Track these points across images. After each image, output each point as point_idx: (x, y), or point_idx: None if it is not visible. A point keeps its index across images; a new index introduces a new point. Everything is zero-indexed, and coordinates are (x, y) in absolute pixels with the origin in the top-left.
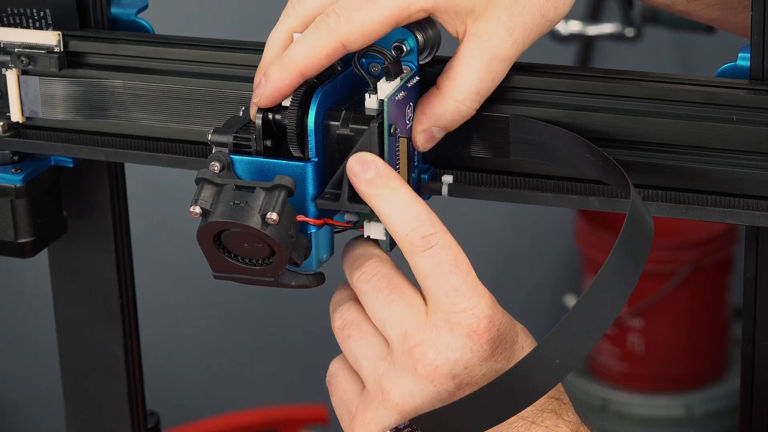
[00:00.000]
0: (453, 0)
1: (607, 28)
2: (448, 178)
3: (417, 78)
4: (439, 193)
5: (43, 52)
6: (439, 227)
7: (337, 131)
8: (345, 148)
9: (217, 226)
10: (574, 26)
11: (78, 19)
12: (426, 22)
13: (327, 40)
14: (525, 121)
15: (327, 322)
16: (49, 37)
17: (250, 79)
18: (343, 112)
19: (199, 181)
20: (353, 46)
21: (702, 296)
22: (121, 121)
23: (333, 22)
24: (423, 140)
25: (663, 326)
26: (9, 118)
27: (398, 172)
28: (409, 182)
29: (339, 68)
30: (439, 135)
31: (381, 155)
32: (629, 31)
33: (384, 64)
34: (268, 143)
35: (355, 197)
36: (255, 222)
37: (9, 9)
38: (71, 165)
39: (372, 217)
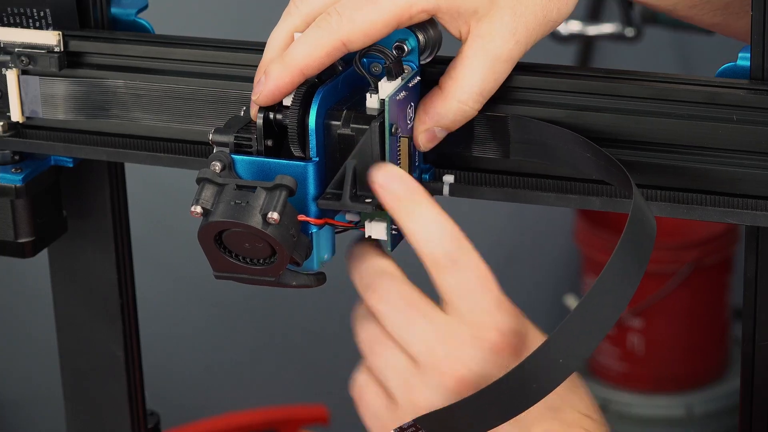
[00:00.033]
0: (455, 1)
1: (607, 28)
2: (449, 178)
3: (418, 78)
4: (440, 192)
5: (43, 52)
6: (466, 246)
7: (338, 131)
8: (346, 147)
9: (218, 226)
10: (574, 26)
11: (78, 19)
12: (427, 23)
13: (328, 39)
14: (526, 121)
15: (327, 322)
16: (49, 37)
17: (252, 79)
18: (344, 112)
19: (200, 181)
20: (354, 46)
21: (702, 296)
22: (122, 121)
23: (334, 21)
24: (425, 140)
25: (663, 326)
26: (9, 118)
27: None
28: None
29: (340, 68)
30: (441, 135)
31: (382, 155)
32: (629, 31)
33: (385, 63)
34: (269, 143)
35: (356, 197)
36: (256, 222)
37: (9, 9)
38: (71, 165)
39: (373, 216)
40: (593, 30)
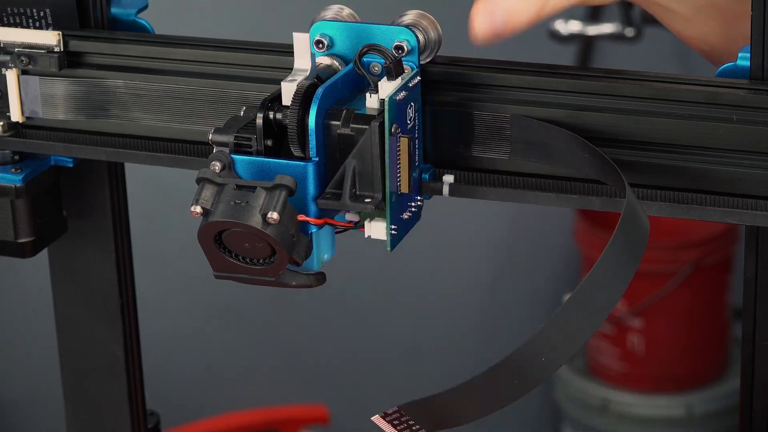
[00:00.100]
0: None
1: (607, 28)
2: (449, 178)
3: (418, 78)
4: (440, 192)
5: (43, 52)
6: None
7: (338, 131)
8: (346, 147)
9: (218, 226)
10: (574, 26)
11: (78, 19)
12: (428, 23)
13: None
14: (526, 121)
15: (327, 322)
16: (49, 37)
17: (252, 79)
18: (344, 112)
19: (200, 181)
20: None
21: (702, 296)
22: (122, 121)
23: None
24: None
25: (663, 326)
26: (9, 118)
27: (399, 172)
28: (409, 182)
29: (340, 68)
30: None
31: (382, 155)
32: (629, 31)
33: (385, 63)
34: (269, 143)
35: (356, 197)
36: (256, 221)
37: (9, 9)
38: (71, 165)
39: (373, 216)
40: (593, 30)
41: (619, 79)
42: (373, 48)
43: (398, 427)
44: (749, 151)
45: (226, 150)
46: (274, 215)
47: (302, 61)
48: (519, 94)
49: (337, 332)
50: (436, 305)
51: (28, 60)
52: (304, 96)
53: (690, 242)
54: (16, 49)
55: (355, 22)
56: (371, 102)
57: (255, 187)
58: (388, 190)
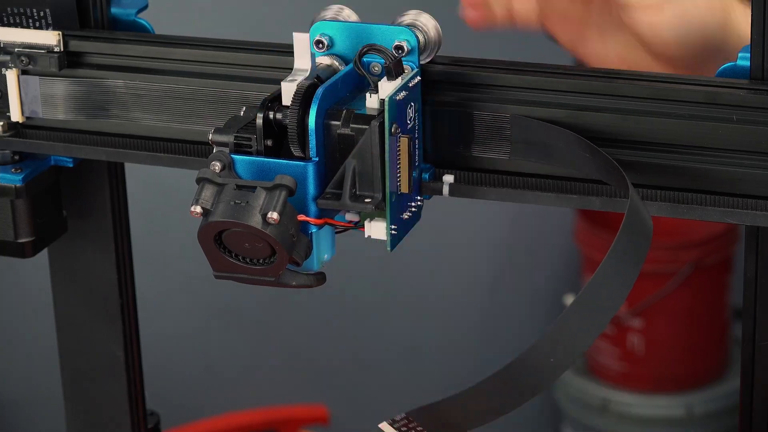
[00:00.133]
0: None
1: None
2: (449, 178)
3: (418, 78)
4: (440, 192)
5: (43, 51)
6: None
7: (338, 131)
8: (346, 147)
9: (218, 226)
10: None
11: (78, 19)
12: (428, 23)
13: None
14: (526, 121)
15: (327, 322)
16: (49, 37)
17: (252, 79)
18: (344, 112)
19: (200, 181)
20: None
21: (702, 296)
22: (122, 121)
23: None
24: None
25: (663, 326)
26: (9, 118)
27: (399, 172)
28: (409, 182)
29: (340, 67)
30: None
31: (381, 155)
32: None
33: (385, 63)
34: (269, 143)
35: (356, 197)
36: (256, 221)
37: (9, 9)
38: (71, 165)
39: (373, 216)
40: None
41: (618, 78)
42: (373, 48)
43: None
44: (749, 151)
45: (226, 150)
46: (274, 215)
47: (302, 61)
48: (519, 94)
49: (337, 332)
50: (436, 305)
51: (28, 60)
52: (304, 96)
53: (690, 242)
54: (16, 49)
55: (355, 22)
56: (371, 102)
57: (255, 187)
58: (388, 190)
